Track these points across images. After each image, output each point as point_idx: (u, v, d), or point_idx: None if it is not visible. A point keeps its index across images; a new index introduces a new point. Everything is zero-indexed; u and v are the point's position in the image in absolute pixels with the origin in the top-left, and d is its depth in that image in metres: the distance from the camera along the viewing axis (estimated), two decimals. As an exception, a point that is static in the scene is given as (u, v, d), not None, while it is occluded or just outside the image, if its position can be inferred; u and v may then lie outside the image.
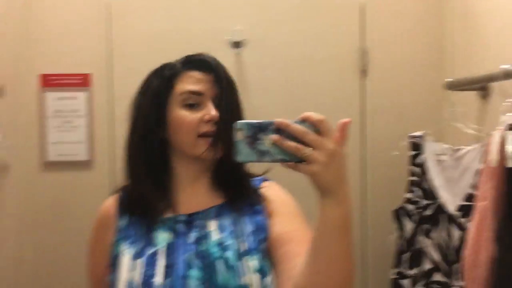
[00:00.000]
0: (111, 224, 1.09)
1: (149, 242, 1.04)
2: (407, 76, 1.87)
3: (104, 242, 1.09)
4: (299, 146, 0.76)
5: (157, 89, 1.09)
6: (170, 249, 1.03)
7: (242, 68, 1.89)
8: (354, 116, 1.86)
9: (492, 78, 1.28)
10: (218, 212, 1.07)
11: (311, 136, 0.76)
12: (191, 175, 1.09)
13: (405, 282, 1.62)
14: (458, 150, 1.51)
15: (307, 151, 0.76)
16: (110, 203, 1.12)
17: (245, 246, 1.02)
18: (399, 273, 1.65)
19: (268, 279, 0.99)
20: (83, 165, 1.86)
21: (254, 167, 1.03)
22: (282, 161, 0.77)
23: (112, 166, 1.86)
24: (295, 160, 0.76)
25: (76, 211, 1.85)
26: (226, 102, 1.06)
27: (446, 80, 1.62)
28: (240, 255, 1.01)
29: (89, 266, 1.16)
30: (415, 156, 1.64)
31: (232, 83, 1.10)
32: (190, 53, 1.11)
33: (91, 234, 1.14)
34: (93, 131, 1.86)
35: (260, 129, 0.77)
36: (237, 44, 1.86)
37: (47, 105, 1.85)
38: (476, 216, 1.13)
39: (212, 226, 1.05)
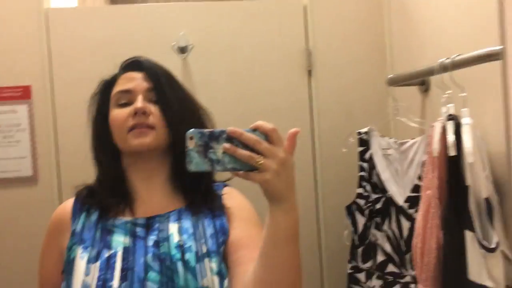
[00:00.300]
0: (65, 229, 1.07)
1: (106, 245, 1.02)
2: (351, 74, 1.91)
3: (58, 246, 1.07)
4: (253, 154, 0.77)
5: (98, 97, 1.13)
6: (128, 253, 1.01)
7: (189, 73, 1.87)
8: (303, 116, 1.89)
9: (431, 72, 1.33)
10: (178, 216, 1.07)
11: (263, 145, 0.78)
12: (143, 174, 1.09)
13: (361, 275, 1.65)
14: (403, 143, 1.56)
15: (260, 159, 0.77)
16: (65, 207, 1.11)
17: (205, 248, 1.02)
18: (354, 267, 1.68)
19: (226, 282, 0.99)
20: (27, 181, 1.78)
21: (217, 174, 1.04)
22: (234, 170, 0.78)
23: (57, 180, 1.79)
24: (246, 169, 0.78)
25: (21, 228, 1.77)
26: (158, 93, 1.08)
27: (388, 76, 1.68)
28: (200, 257, 1.01)
29: (41, 272, 1.13)
30: (363, 152, 1.67)
31: (167, 76, 1.11)
32: None
33: (45, 237, 1.12)
34: (36, 145, 1.79)
35: (212, 137, 0.78)
36: (183, 50, 1.85)
37: (-15, 120, 1.76)
38: (422, 205, 1.17)
39: (172, 229, 1.05)
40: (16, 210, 1.78)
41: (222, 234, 1.04)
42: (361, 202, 1.66)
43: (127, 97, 1.07)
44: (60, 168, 1.80)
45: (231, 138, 0.77)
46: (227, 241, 1.03)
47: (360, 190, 1.67)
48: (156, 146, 1.06)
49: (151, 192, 1.09)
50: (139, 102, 1.05)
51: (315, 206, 1.90)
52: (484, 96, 1.24)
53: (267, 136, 0.79)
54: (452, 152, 1.10)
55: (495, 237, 1.06)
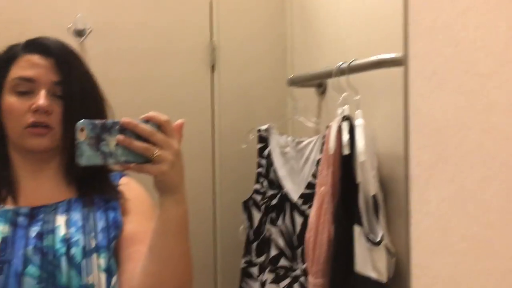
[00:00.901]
0: None
1: None
2: (253, 72, 1.93)
3: None
4: (149, 146, 0.76)
5: None
6: (6, 243, 0.93)
7: (86, 58, 1.77)
8: (204, 111, 1.87)
9: (329, 74, 1.39)
10: (67, 207, 0.99)
11: (159, 136, 0.77)
12: (31, 168, 1.00)
13: (254, 269, 1.68)
14: (300, 142, 1.61)
15: (156, 151, 0.76)
16: None
17: (94, 243, 0.96)
18: (248, 262, 1.71)
19: (114, 279, 0.94)
20: None
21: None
22: (127, 162, 0.76)
23: None
24: (140, 161, 0.76)
25: None
26: (68, 94, 0.98)
27: (288, 77, 1.73)
28: (88, 253, 0.94)
29: None
30: (262, 149, 1.71)
31: (77, 67, 1.02)
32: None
33: None
34: None
35: (104, 129, 0.74)
36: (79, 33, 1.74)
37: None
38: (316, 201, 1.22)
39: (60, 221, 0.97)
40: None
41: (115, 229, 0.99)
42: (258, 197, 1.69)
43: (28, 86, 0.96)
44: None
45: (124, 130, 0.75)
46: (120, 235, 0.98)
47: (258, 186, 1.70)
48: (53, 146, 0.99)
49: (39, 181, 1.01)
50: (42, 99, 0.95)
51: (212, 201, 1.90)
52: (373, 100, 1.33)
53: (161, 127, 0.78)
54: (346, 151, 1.16)
55: (380, 232, 1.13)
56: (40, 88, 0.97)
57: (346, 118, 1.23)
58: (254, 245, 1.69)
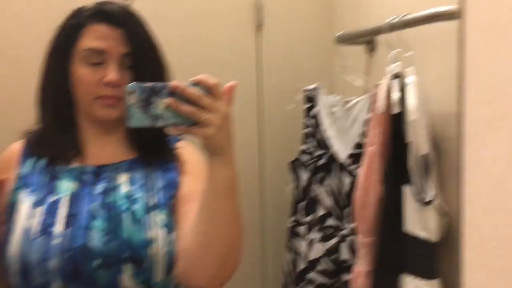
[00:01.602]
0: (11, 170, 1.03)
1: (52, 190, 0.99)
2: (300, 30, 1.90)
3: (1, 186, 1.02)
4: (195, 110, 0.77)
5: (61, 43, 1.02)
6: (74, 199, 0.98)
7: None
8: (250, 72, 1.86)
9: (378, 31, 1.34)
10: (129, 166, 1.04)
11: (206, 100, 0.77)
12: (97, 132, 1.05)
13: (301, 228, 1.70)
14: (348, 101, 1.59)
15: (203, 115, 0.77)
16: (14, 149, 1.06)
17: (154, 200, 1.00)
18: (295, 221, 1.73)
19: (173, 235, 0.98)
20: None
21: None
22: (175, 125, 0.77)
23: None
24: (188, 124, 0.77)
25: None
26: (137, 66, 1.00)
27: (336, 34, 1.68)
28: (148, 209, 0.99)
29: None
30: (309, 109, 1.69)
31: (148, 43, 1.02)
32: None
33: None
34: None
35: (153, 92, 0.76)
36: (126, -5, 1.75)
37: None
38: (365, 160, 1.21)
39: (122, 179, 1.02)
40: None
41: (173, 188, 1.03)
42: (305, 158, 1.69)
43: (99, 57, 0.98)
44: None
45: (173, 93, 0.76)
46: (177, 194, 1.02)
47: (304, 147, 1.70)
48: (121, 116, 1.00)
49: (104, 143, 1.06)
50: (113, 73, 0.97)
51: (259, 162, 1.91)
52: (426, 57, 1.28)
53: (209, 90, 0.78)
54: (396, 110, 1.13)
55: (431, 191, 1.11)
56: (110, 59, 0.99)
57: (397, 75, 1.19)
58: (301, 204, 1.70)
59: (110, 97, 0.99)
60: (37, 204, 0.98)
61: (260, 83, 1.89)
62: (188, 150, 1.11)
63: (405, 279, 1.14)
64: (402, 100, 1.14)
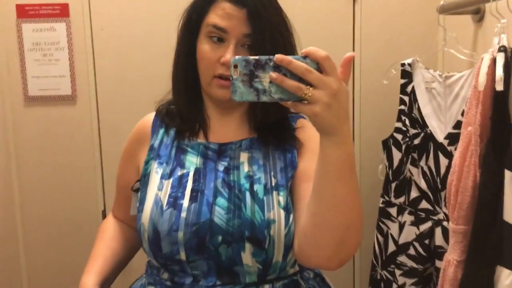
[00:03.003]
0: (145, 141, 1.10)
1: (179, 164, 1.04)
2: (399, 0, 1.78)
3: (137, 156, 1.11)
4: (301, 85, 0.71)
5: (190, 15, 1.04)
6: (199, 174, 1.02)
7: None
8: (346, 44, 1.80)
9: (486, -2, 1.21)
10: (249, 144, 1.05)
11: (314, 74, 0.71)
12: (219, 110, 1.07)
13: (392, 210, 1.63)
14: (449, 76, 1.47)
15: (310, 91, 0.71)
16: (148, 119, 1.13)
17: (274, 181, 1.00)
18: (386, 202, 1.66)
19: (292, 216, 0.97)
20: (66, 99, 1.82)
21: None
22: (281, 100, 0.73)
23: (95, 100, 1.82)
24: (295, 99, 0.72)
25: (61, 146, 1.84)
26: (256, 47, 0.98)
27: (440, 3, 1.55)
28: (269, 190, 0.99)
29: (119, 173, 1.19)
30: (405, 85, 1.60)
31: (272, 24, 1.00)
32: None
33: (126, 144, 1.16)
34: (74, 64, 1.80)
35: (258, 66, 0.72)
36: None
37: (25, 38, 1.77)
38: (461, 142, 1.11)
39: (243, 158, 1.03)
40: (56, 127, 1.83)
41: (291, 169, 1.01)
42: (399, 136, 1.61)
43: (220, 35, 0.99)
44: (98, 88, 1.82)
45: (279, 67, 0.71)
46: (295, 173, 1.01)
47: (399, 124, 1.61)
48: None
49: (226, 121, 1.08)
50: (230, 54, 0.97)
51: (352, 137, 1.86)
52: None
53: (319, 64, 0.71)
54: (500, 87, 1.02)
55: (537, 179, 1.00)
56: (231, 38, 0.99)
57: (503, 49, 1.06)
58: (393, 185, 1.63)
59: (225, 78, 0.99)
60: (166, 176, 1.02)
61: (356, 57, 1.81)
62: (307, 127, 1.07)
63: (501, 273, 1.04)
64: (507, 76, 1.02)
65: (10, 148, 1.82)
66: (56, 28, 1.78)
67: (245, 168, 1.02)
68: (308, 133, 1.06)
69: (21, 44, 1.77)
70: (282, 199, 0.98)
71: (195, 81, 1.06)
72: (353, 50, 1.80)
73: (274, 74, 0.71)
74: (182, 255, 0.98)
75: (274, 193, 0.98)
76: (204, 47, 1.01)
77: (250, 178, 1.00)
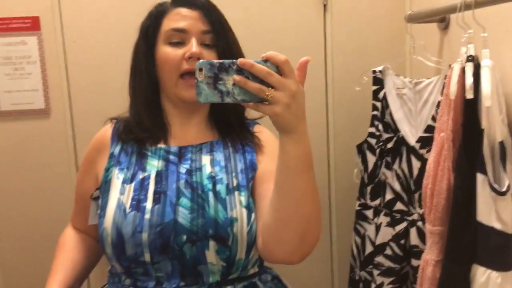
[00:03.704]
0: (104, 149, 1.13)
1: (140, 168, 1.07)
2: (368, 9, 1.84)
3: (96, 164, 1.14)
4: (263, 87, 0.75)
5: (147, 27, 1.10)
6: (161, 176, 1.05)
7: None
8: (316, 53, 1.84)
9: (453, 9, 1.27)
10: (210, 148, 1.10)
11: (274, 77, 0.76)
12: (180, 115, 1.11)
13: (368, 212, 1.68)
14: (418, 83, 1.53)
15: (271, 92, 0.76)
16: (105, 130, 1.17)
17: (235, 182, 1.05)
18: (362, 204, 1.71)
19: (253, 215, 1.02)
20: (40, 113, 1.79)
21: (251, 112, 1.02)
22: (244, 101, 0.77)
23: (69, 113, 1.80)
24: (256, 101, 0.76)
25: (35, 160, 1.81)
26: (214, 42, 1.06)
27: (407, 12, 1.61)
28: (231, 190, 1.03)
29: (78, 183, 1.21)
30: (377, 91, 1.65)
31: (223, 21, 1.09)
32: None
33: (85, 155, 1.19)
34: (47, 78, 1.78)
35: (222, 69, 0.76)
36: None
37: (-5, 52, 1.74)
38: (435, 147, 1.17)
39: (205, 160, 1.08)
40: (30, 142, 1.80)
41: (252, 170, 1.07)
42: (373, 141, 1.66)
43: (180, 36, 1.05)
44: (72, 100, 1.80)
45: (241, 70, 0.75)
46: (255, 175, 1.06)
47: (372, 129, 1.66)
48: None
49: (187, 127, 1.12)
50: (195, 47, 1.02)
51: (326, 143, 1.90)
52: (504, 37, 1.20)
53: (279, 67, 0.76)
54: (470, 95, 1.08)
55: (507, 181, 1.06)
56: (190, 37, 1.05)
57: (471, 58, 1.13)
58: (369, 188, 1.68)
59: (192, 74, 1.02)
60: (127, 180, 1.05)
61: (326, 64, 1.86)
62: (264, 132, 1.14)
63: (476, 270, 1.10)
64: (476, 85, 1.08)
65: (-17, 164, 1.79)
66: (27, 42, 1.75)
67: (208, 169, 1.06)
68: (265, 137, 1.12)
69: (-9, 58, 1.74)
70: (243, 199, 1.03)
71: (154, 92, 1.12)
72: (325, 58, 1.85)
73: (237, 77, 0.75)
74: (147, 257, 1.00)
75: (236, 193, 1.03)
76: (166, 50, 1.06)
77: (213, 178, 1.04)
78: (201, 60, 0.77)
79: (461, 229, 1.08)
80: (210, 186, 1.03)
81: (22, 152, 1.80)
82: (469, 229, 1.08)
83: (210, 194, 1.02)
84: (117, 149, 1.12)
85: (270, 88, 0.76)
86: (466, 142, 1.11)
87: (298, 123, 0.80)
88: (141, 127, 1.11)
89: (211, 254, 1.00)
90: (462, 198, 1.10)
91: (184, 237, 0.99)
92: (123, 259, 1.02)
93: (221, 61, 0.76)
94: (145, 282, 1.03)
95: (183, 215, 1.00)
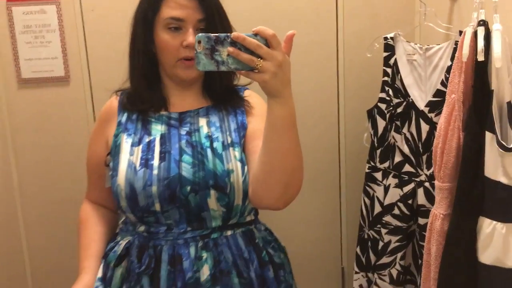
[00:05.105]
0: (112, 118, 1.25)
1: (146, 132, 1.20)
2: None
3: (105, 133, 1.26)
4: (253, 58, 0.88)
5: (145, 13, 1.20)
6: (164, 139, 1.19)
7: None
8: (329, 19, 1.89)
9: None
10: (206, 112, 1.23)
11: (263, 49, 0.88)
12: (178, 87, 1.24)
13: (378, 174, 1.76)
14: (428, 48, 1.58)
15: (260, 62, 0.88)
16: (111, 101, 1.29)
17: (229, 139, 1.19)
18: (372, 167, 1.78)
19: (246, 167, 1.16)
20: (60, 81, 1.85)
21: (242, 78, 1.12)
22: (237, 70, 0.90)
23: (88, 80, 1.86)
24: (247, 69, 0.89)
25: (56, 126, 1.87)
26: (209, 28, 1.16)
27: (417, -20, 1.66)
28: (226, 146, 1.18)
29: (89, 155, 1.32)
30: (388, 57, 1.70)
31: (218, 9, 1.19)
32: None
33: (95, 125, 1.31)
34: (66, 46, 1.83)
35: (217, 41, 0.88)
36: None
37: (16, 21, 1.79)
38: (446, 108, 1.23)
39: (202, 122, 1.21)
40: (50, 108, 1.86)
41: (243, 129, 1.21)
42: (383, 106, 1.72)
43: (178, 24, 1.15)
44: (90, 68, 1.85)
45: (235, 42, 0.87)
46: (246, 133, 1.20)
47: (383, 95, 1.72)
48: (199, 75, 1.20)
49: (184, 96, 1.25)
50: (191, 37, 1.13)
51: (337, 109, 1.96)
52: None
53: (267, 40, 0.88)
54: (481, 58, 1.13)
55: (513, 139, 1.12)
56: (188, 25, 1.15)
57: (482, 23, 1.18)
58: (378, 151, 1.75)
59: (189, 59, 1.15)
60: (135, 143, 1.18)
61: (338, 31, 1.91)
62: (253, 96, 1.27)
63: (483, 222, 1.18)
64: (486, 48, 1.14)
65: (6, 130, 1.85)
66: (46, 10, 1.79)
67: (205, 130, 1.20)
68: (254, 100, 1.26)
69: (12, 27, 1.79)
70: (237, 154, 1.17)
71: (152, 67, 1.23)
72: (336, 25, 1.90)
73: (231, 49, 0.87)
74: (157, 206, 1.14)
75: (231, 149, 1.18)
76: (165, 37, 1.17)
77: (210, 137, 1.18)
78: (200, 34, 0.88)
79: (469, 184, 1.16)
80: (208, 144, 1.17)
81: (43, 118, 1.86)
82: (477, 184, 1.16)
83: (208, 151, 1.16)
84: (123, 118, 1.23)
85: (260, 59, 0.87)
86: (476, 103, 1.17)
87: (284, 89, 0.93)
88: (143, 100, 1.23)
89: (212, 202, 1.14)
90: (471, 155, 1.16)
91: (188, 188, 1.13)
92: (137, 210, 1.15)
93: (217, 34, 0.88)
94: (157, 228, 1.17)
95: (186, 170, 1.13)
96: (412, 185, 1.64)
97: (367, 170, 1.80)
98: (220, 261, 1.17)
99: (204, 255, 1.16)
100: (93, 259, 1.23)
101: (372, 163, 1.78)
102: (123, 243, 1.21)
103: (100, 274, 1.21)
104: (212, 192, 1.14)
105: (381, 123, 1.73)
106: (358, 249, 1.85)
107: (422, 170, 1.61)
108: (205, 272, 1.15)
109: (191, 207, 1.14)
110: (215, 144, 1.17)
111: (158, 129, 1.20)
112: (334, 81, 1.94)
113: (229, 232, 1.20)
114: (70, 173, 1.90)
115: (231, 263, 1.18)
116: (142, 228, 1.19)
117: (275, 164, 1.02)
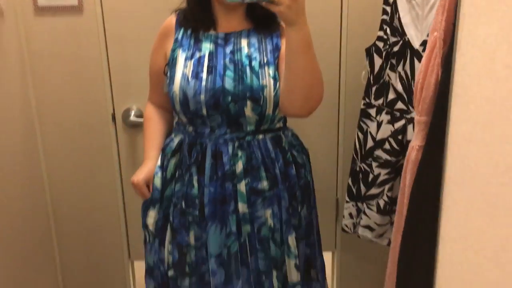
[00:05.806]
0: (170, 34, 1.50)
1: (197, 49, 1.44)
2: None
3: (164, 46, 1.51)
4: None
5: None
6: (212, 56, 1.42)
7: None
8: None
9: None
10: (248, 34, 1.47)
11: None
12: (225, 11, 1.47)
13: (372, 110, 1.83)
14: (427, -12, 1.60)
15: None
16: (171, 19, 1.53)
17: (265, 59, 1.43)
18: (367, 104, 1.85)
19: (278, 84, 1.41)
20: (73, 10, 1.93)
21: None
22: (259, 1, 1.14)
23: (101, 10, 1.94)
24: (267, 1, 1.12)
25: (71, 54, 1.98)
26: None
27: None
28: (262, 65, 1.42)
29: (151, 63, 1.59)
30: (388, -5, 1.73)
31: None
32: None
33: (155, 39, 1.55)
34: (80, -24, 1.90)
35: None
36: None
37: (31, -51, 1.86)
38: (428, 45, 1.28)
39: (243, 43, 1.45)
40: (64, 37, 1.96)
41: (277, 50, 1.44)
42: (380, 44, 1.77)
43: None
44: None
45: None
46: (279, 54, 1.43)
47: (381, 33, 1.76)
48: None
49: (230, 18, 1.46)
50: None
51: (339, 47, 2.01)
52: None
53: None
54: (461, -4, 1.16)
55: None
56: None
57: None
58: (374, 88, 1.81)
59: None
60: (188, 58, 1.43)
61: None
62: None
63: (453, 154, 1.25)
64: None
65: (24, 55, 1.97)
66: None
67: (245, 50, 1.43)
68: None
69: (28, -45, 1.86)
70: (271, 72, 1.41)
71: None
72: (342, -38, 1.91)
73: None
74: (204, 111, 1.41)
75: (266, 67, 1.41)
76: None
77: (249, 57, 1.42)
78: None
79: (441, 118, 1.22)
80: (247, 62, 1.40)
81: (58, 46, 1.97)
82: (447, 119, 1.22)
83: (247, 68, 1.40)
84: (180, 35, 1.48)
85: None
86: (455, 41, 1.21)
87: (298, 18, 1.17)
88: (195, 18, 1.46)
89: (248, 110, 1.41)
90: (446, 90, 1.22)
91: (229, 98, 1.39)
92: (188, 113, 1.44)
93: None
94: (203, 129, 1.46)
95: (228, 83, 1.38)
96: (403, 122, 1.71)
97: (362, 107, 1.87)
98: (252, 159, 1.45)
99: (239, 153, 1.44)
100: (155, 149, 1.56)
101: (367, 100, 1.85)
102: (176, 140, 1.52)
103: (159, 163, 1.54)
104: (249, 102, 1.39)
105: (377, 61, 1.78)
106: (349, 181, 1.95)
107: (413, 107, 1.67)
108: (239, 166, 1.44)
109: (231, 114, 1.41)
110: (253, 63, 1.40)
111: (207, 47, 1.44)
112: (337, 20, 1.98)
113: (260, 136, 1.47)
114: (84, 99, 2.03)
115: (260, 160, 1.46)
116: (190, 129, 1.48)
117: (295, 81, 1.28)
